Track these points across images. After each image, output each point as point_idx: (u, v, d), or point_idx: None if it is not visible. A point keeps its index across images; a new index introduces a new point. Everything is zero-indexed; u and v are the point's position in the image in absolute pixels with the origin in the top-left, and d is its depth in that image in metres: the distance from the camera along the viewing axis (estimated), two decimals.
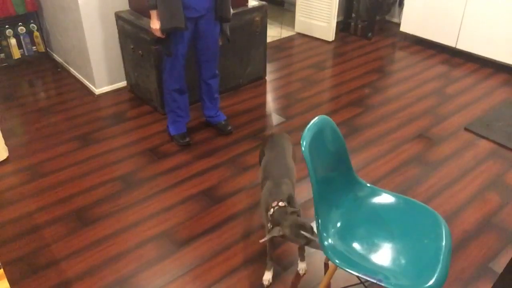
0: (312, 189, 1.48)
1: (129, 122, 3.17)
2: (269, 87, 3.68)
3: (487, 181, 2.59)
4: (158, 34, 2.49)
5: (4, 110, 3.33)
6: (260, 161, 2.14)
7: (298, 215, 1.71)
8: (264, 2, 3.51)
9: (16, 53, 3.89)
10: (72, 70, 3.87)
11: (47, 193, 2.49)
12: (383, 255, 1.52)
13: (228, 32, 2.75)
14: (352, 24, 4.83)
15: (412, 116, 3.25)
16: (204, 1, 2.50)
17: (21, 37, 3.88)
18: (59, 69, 3.97)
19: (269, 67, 3.94)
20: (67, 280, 1.97)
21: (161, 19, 2.42)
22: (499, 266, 2.04)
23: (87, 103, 3.42)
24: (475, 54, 4.05)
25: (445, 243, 1.50)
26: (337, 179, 1.68)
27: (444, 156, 2.81)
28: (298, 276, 2.00)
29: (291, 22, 5.02)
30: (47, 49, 4.12)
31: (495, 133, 3.02)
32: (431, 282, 1.36)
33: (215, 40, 2.71)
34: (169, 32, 2.49)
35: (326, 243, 1.53)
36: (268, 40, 4.28)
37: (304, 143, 1.46)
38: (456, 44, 4.13)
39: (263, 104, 3.42)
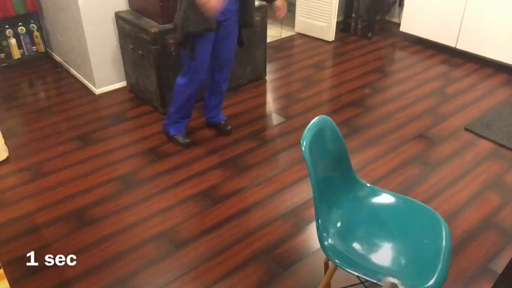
0: (312, 189, 1.48)
1: (129, 122, 3.17)
2: (269, 87, 3.68)
3: (487, 181, 2.59)
4: (215, 4, 2.25)
5: (4, 110, 3.33)
6: None
7: None
8: (264, 2, 3.51)
9: (16, 53, 3.89)
10: (72, 70, 3.87)
11: (47, 193, 2.49)
12: (383, 255, 1.52)
13: (242, 36, 2.72)
14: (352, 24, 4.83)
15: (412, 116, 3.25)
16: (231, 4, 2.47)
17: (21, 37, 3.88)
18: (59, 69, 3.97)
19: (269, 67, 3.94)
20: (67, 280, 1.97)
21: (193, 21, 2.36)
22: (499, 266, 2.04)
23: (87, 103, 3.42)
24: (475, 54, 4.05)
25: (445, 243, 1.50)
26: (337, 179, 1.68)
27: (444, 156, 2.81)
28: (298, 276, 2.00)
29: (291, 22, 5.02)
30: (47, 49, 4.12)
31: (495, 133, 3.02)
32: (431, 282, 1.36)
33: (234, 43, 2.69)
34: (196, 35, 2.44)
35: (326, 243, 1.53)
36: (268, 40, 4.27)
37: (304, 143, 1.46)
38: (456, 44, 4.13)
39: (263, 104, 3.42)
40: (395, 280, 1.39)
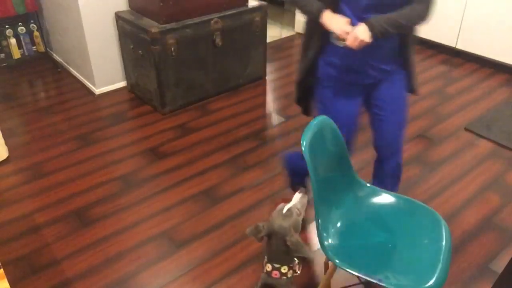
0: (312, 189, 1.48)
1: (129, 122, 3.17)
2: (269, 87, 3.68)
3: (487, 181, 2.59)
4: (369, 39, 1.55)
5: (4, 110, 3.33)
6: None
7: None
8: (264, 2, 3.51)
9: (16, 53, 3.89)
10: (72, 70, 3.87)
11: (47, 193, 2.49)
12: (383, 255, 1.52)
13: None
14: None
15: (412, 116, 3.24)
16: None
17: (21, 37, 3.87)
18: (59, 69, 3.97)
19: (269, 67, 3.93)
20: (67, 280, 1.97)
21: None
22: (499, 266, 2.04)
23: (87, 103, 3.42)
24: (475, 54, 4.05)
25: (445, 243, 1.50)
26: (337, 179, 1.68)
27: (444, 156, 2.81)
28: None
29: (291, 22, 5.02)
30: (47, 49, 4.12)
31: (495, 133, 3.02)
32: (431, 282, 1.36)
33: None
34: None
35: (326, 243, 1.53)
36: (268, 40, 4.27)
37: (304, 143, 1.45)
38: (456, 44, 4.13)
39: (263, 104, 3.42)
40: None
